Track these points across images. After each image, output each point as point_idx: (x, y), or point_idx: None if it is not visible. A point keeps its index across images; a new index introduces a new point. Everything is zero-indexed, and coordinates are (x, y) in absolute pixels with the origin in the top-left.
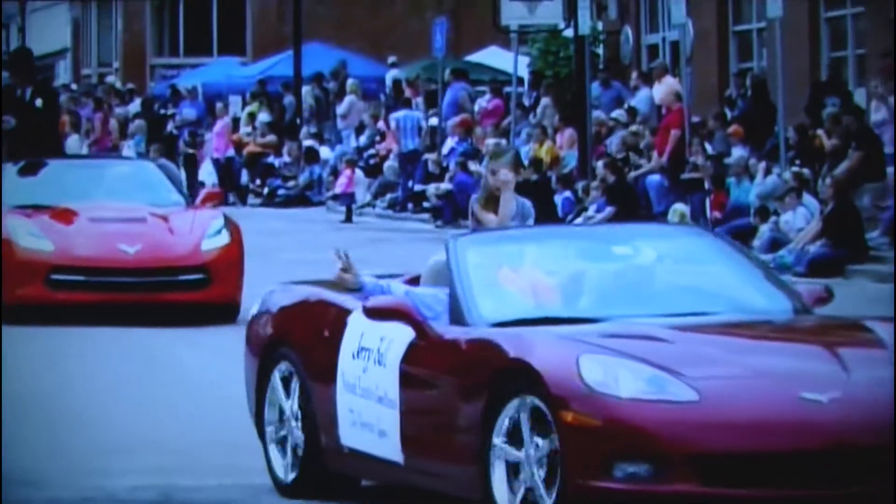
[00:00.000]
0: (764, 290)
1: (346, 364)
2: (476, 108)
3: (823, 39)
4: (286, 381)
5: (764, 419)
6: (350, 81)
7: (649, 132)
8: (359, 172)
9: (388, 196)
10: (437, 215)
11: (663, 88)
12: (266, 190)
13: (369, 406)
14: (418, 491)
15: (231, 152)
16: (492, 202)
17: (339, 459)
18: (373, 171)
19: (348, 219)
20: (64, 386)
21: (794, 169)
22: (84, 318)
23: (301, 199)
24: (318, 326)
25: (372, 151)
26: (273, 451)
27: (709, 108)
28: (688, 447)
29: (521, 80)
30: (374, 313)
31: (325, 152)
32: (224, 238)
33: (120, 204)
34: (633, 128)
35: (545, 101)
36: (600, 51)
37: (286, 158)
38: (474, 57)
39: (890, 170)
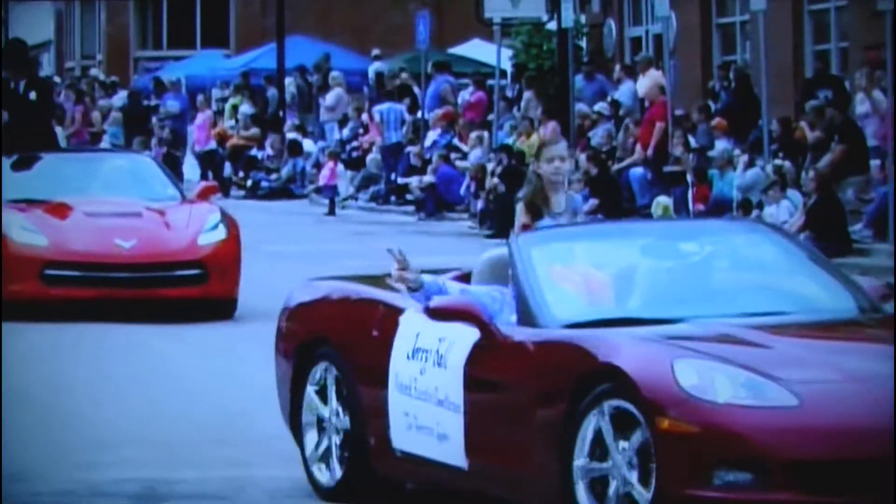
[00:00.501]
0: (829, 287)
1: (400, 365)
2: (459, 100)
3: (807, 32)
4: (326, 382)
5: (867, 425)
6: (335, 74)
7: (633, 125)
8: (340, 165)
9: (371, 189)
10: (420, 208)
11: (647, 81)
12: (249, 182)
13: (427, 409)
14: (476, 496)
15: (213, 145)
16: (541, 197)
17: (390, 463)
18: (356, 163)
19: (331, 211)
20: (52, 381)
21: (777, 162)
22: (78, 314)
23: (284, 191)
24: (365, 326)
25: (355, 144)
26: (311, 453)
27: (692, 101)
28: (789, 454)
29: (504, 73)
30: (439, 314)
31: (308, 145)
32: (221, 233)
33: (115, 198)
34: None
35: (528, 94)
36: (583, 44)
37: (269, 151)
38: (457, 50)
39: (873, 163)
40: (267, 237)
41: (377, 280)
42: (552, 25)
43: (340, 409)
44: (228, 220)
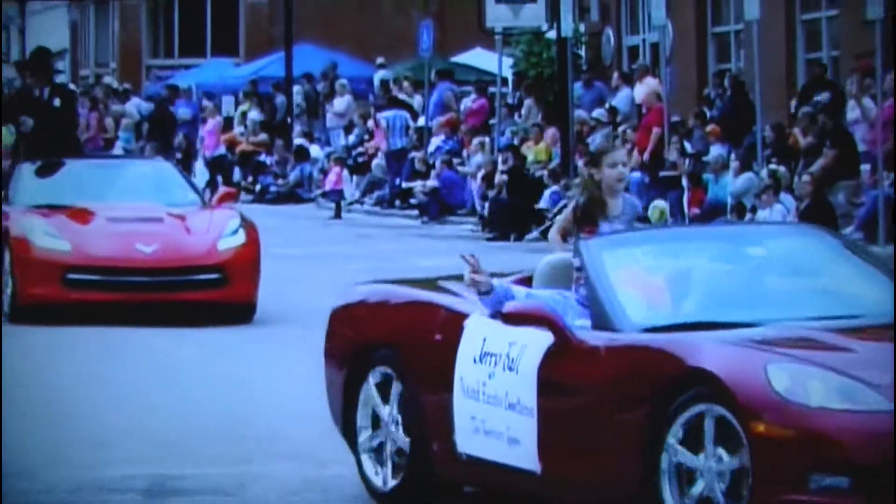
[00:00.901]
0: (889, 288)
1: (466, 369)
2: (461, 107)
3: (799, 41)
4: (383, 387)
5: None
6: (342, 81)
7: (630, 130)
8: (346, 170)
9: (376, 193)
10: (423, 212)
11: (644, 88)
12: (258, 187)
13: (497, 413)
14: (543, 500)
15: (222, 150)
16: (598, 202)
17: (454, 467)
18: (361, 168)
19: (337, 215)
20: (66, 381)
21: (772, 167)
22: (100, 318)
23: (292, 195)
24: (428, 330)
25: (360, 150)
26: (367, 458)
27: (688, 108)
28: (885, 458)
29: (505, 81)
30: (514, 318)
31: (314, 150)
32: (240, 238)
33: (136, 204)
34: (622, 128)
35: (528, 101)
36: (582, 52)
37: (277, 156)
38: (460, 58)
39: (864, 167)
40: (275, 240)
41: (429, 284)
42: (552, 34)
43: (399, 413)
44: (248, 225)
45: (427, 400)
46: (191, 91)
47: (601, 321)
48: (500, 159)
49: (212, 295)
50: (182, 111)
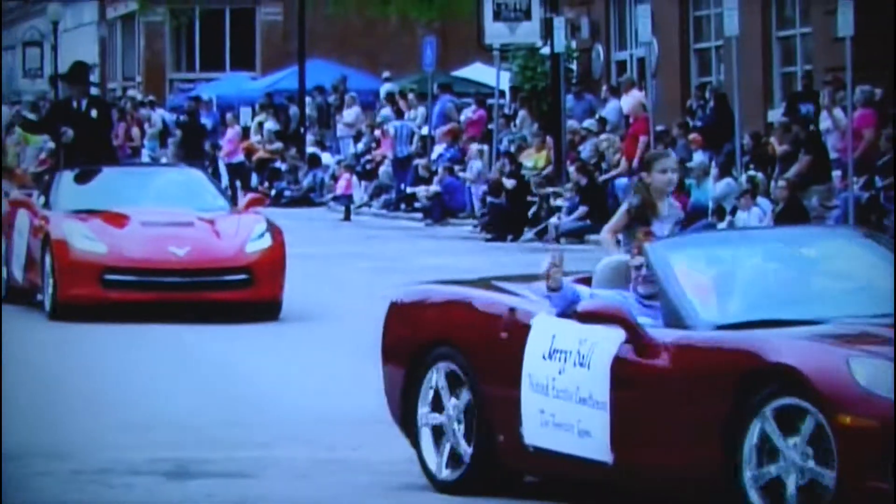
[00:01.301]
0: None
1: (535, 366)
2: (462, 118)
3: (775, 56)
4: (446, 382)
5: None
6: (352, 94)
7: (619, 139)
8: (355, 176)
9: (383, 197)
10: (426, 214)
11: (630, 100)
12: (273, 192)
13: (567, 407)
14: (597, 486)
15: (240, 157)
16: (649, 205)
17: (521, 458)
18: (369, 174)
19: (347, 218)
20: (99, 373)
21: (750, 172)
22: (134, 316)
23: (304, 200)
24: (493, 328)
25: (368, 157)
26: (428, 450)
27: (672, 118)
28: None
29: (503, 93)
30: (588, 317)
31: (326, 158)
32: (267, 241)
33: (169, 209)
34: (604, 136)
35: (522, 112)
36: (574, 66)
37: (291, 163)
38: (460, 72)
39: (835, 173)
40: (289, 241)
41: (484, 283)
42: (546, 50)
43: (462, 408)
44: (274, 230)
45: (492, 394)
46: (211, 103)
47: (673, 319)
48: (496, 166)
49: (240, 294)
50: (203, 121)
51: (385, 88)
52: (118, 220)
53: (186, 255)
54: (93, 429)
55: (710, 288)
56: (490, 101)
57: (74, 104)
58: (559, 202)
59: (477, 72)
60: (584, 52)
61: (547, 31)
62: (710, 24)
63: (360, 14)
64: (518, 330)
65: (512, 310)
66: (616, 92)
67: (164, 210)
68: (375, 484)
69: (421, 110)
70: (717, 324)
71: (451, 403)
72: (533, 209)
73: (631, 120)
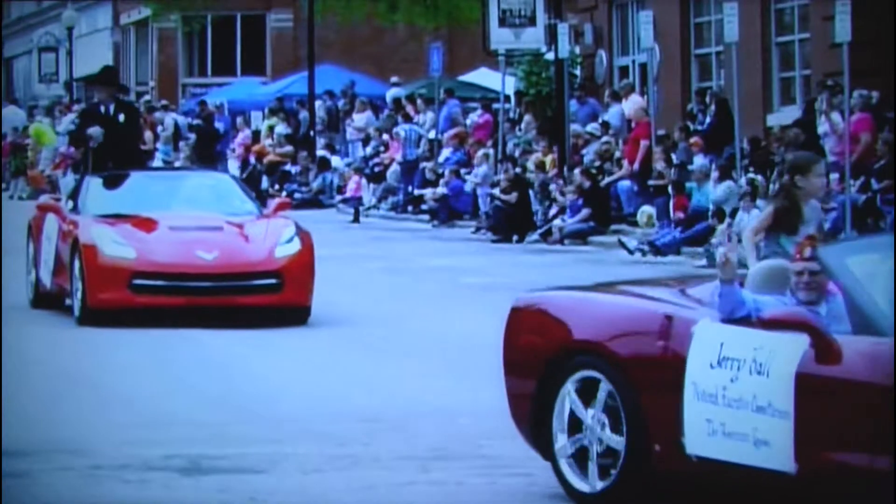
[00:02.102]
0: None
1: (700, 374)
2: (468, 122)
3: (774, 61)
4: (586, 391)
5: None
6: (363, 99)
7: (621, 143)
8: (364, 179)
9: (391, 199)
10: (433, 216)
11: (631, 105)
12: (284, 194)
13: (741, 416)
14: (775, 498)
15: (251, 160)
16: (796, 208)
17: (681, 468)
18: (377, 177)
19: (356, 219)
20: (123, 374)
21: (749, 176)
22: (163, 321)
23: (314, 202)
24: (645, 334)
25: (377, 160)
26: (565, 463)
27: (673, 122)
28: None
29: (508, 98)
30: (773, 324)
31: (335, 161)
32: (296, 245)
33: (197, 213)
34: (605, 139)
35: (527, 116)
36: (577, 72)
37: (301, 166)
38: (466, 77)
39: (832, 176)
40: None
41: (610, 287)
42: (550, 56)
43: (607, 418)
44: (302, 234)
45: (647, 403)
46: (223, 107)
47: (863, 326)
48: (501, 170)
49: (269, 299)
50: (215, 125)
51: (391, 93)
52: (147, 224)
53: (215, 260)
54: (111, 426)
55: (890, 291)
56: (495, 105)
57: (102, 109)
58: (560, 203)
59: (482, 77)
60: (587, 58)
61: (551, 37)
62: (710, 30)
63: (369, 21)
64: (677, 337)
65: (669, 317)
66: (618, 97)
67: (192, 214)
68: (385, 480)
69: (429, 115)
70: None
71: (593, 413)
72: (537, 211)
73: (633, 124)
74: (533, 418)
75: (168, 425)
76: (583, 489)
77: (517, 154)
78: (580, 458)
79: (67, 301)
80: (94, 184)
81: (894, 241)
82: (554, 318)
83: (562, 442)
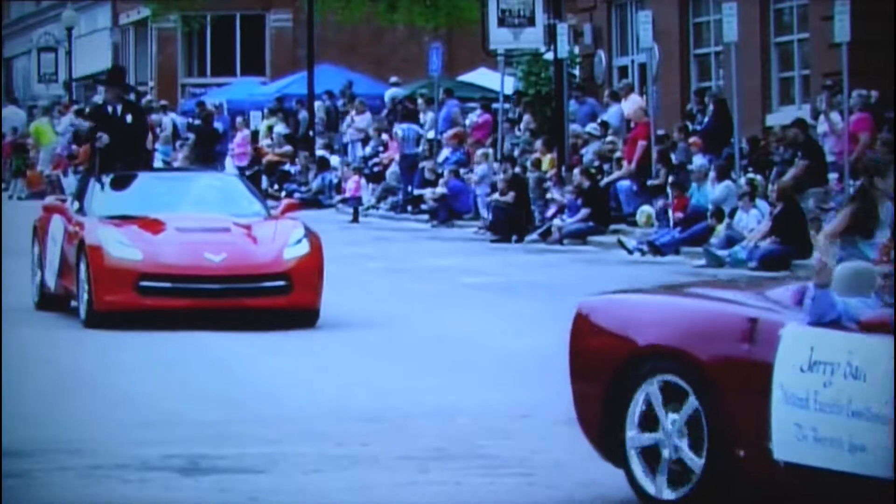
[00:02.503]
0: None
1: (790, 378)
2: (468, 122)
3: (773, 62)
4: (663, 396)
5: None
6: (360, 100)
7: (620, 143)
8: (363, 179)
9: (390, 199)
10: (433, 216)
11: (631, 105)
12: (283, 194)
13: (835, 420)
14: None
15: (246, 161)
16: (874, 210)
17: (768, 473)
18: (376, 177)
19: (355, 219)
20: (127, 375)
21: (748, 176)
22: (170, 324)
23: (314, 202)
24: (729, 339)
25: (376, 160)
26: (639, 469)
27: (672, 122)
28: None
29: (507, 98)
30: (872, 327)
31: (334, 161)
32: (305, 247)
33: (205, 214)
34: (610, 139)
35: (526, 116)
36: (577, 72)
37: (300, 166)
38: (465, 77)
39: (831, 176)
40: None
41: (677, 290)
42: (549, 56)
43: (684, 422)
44: (311, 236)
45: (730, 408)
46: (222, 107)
47: None
48: (499, 170)
49: (277, 301)
50: (215, 125)
51: (390, 93)
52: (154, 226)
53: (223, 262)
54: (111, 426)
55: None
56: (495, 105)
57: (109, 109)
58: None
59: (482, 77)
60: (586, 58)
61: (550, 37)
62: (709, 30)
63: (368, 21)
64: (763, 341)
65: (754, 320)
66: (618, 97)
67: (200, 216)
68: (384, 480)
69: (428, 115)
70: None
71: (671, 417)
72: (536, 211)
73: (632, 124)
74: (602, 422)
75: (168, 425)
76: (661, 496)
77: (516, 154)
78: (651, 459)
79: (73, 303)
80: (100, 185)
81: (894, 241)
82: (627, 320)
83: (634, 448)
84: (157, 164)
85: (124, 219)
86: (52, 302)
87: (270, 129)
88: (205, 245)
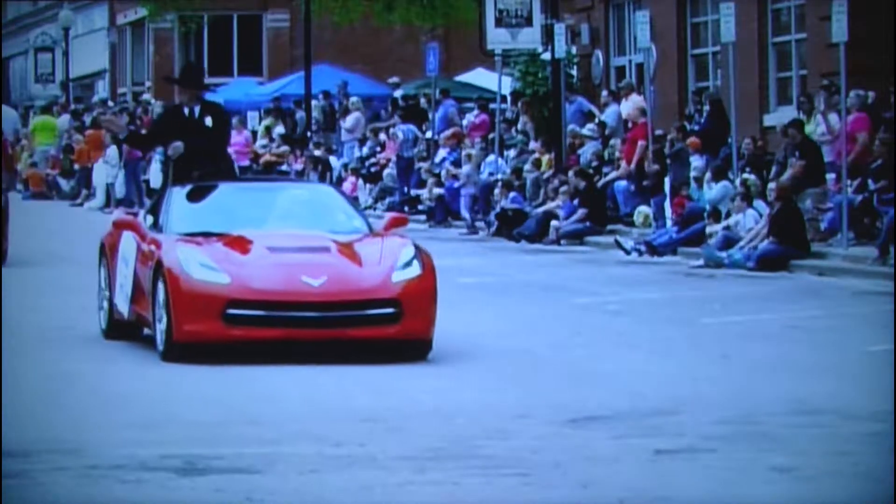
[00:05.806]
0: None
1: None
2: (465, 122)
3: (771, 62)
4: None
5: None
6: (353, 100)
7: (619, 143)
8: (360, 179)
9: (387, 199)
10: (430, 216)
11: (629, 105)
12: None
13: None
14: None
15: (247, 161)
16: None
17: None
18: (374, 177)
19: None
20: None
21: (745, 176)
22: (262, 357)
23: None
24: None
25: (373, 160)
26: None
27: (670, 122)
28: None
29: (504, 98)
30: None
31: (331, 161)
32: (416, 269)
33: (299, 231)
34: (612, 141)
35: (524, 117)
36: (574, 72)
37: (298, 166)
38: (463, 77)
39: (829, 176)
40: None
41: None
42: (546, 56)
43: None
44: (423, 255)
45: None
46: None
47: None
48: (499, 169)
49: (385, 331)
50: None
51: (399, 94)
52: (241, 244)
53: (322, 286)
54: (107, 426)
55: None
56: (492, 105)
57: (186, 111)
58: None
59: (479, 77)
60: (584, 58)
61: (548, 37)
62: (707, 30)
63: (365, 21)
64: None
65: None
66: (615, 97)
67: (293, 233)
68: (382, 480)
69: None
70: None
71: None
72: (534, 211)
73: (630, 124)
74: None
75: (165, 425)
76: None
77: (513, 154)
78: None
79: (146, 331)
80: (177, 198)
81: (893, 242)
82: None
83: None
84: (156, 165)
85: (206, 236)
86: (125, 331)
87: (268, 129)
88: (301, 267)
